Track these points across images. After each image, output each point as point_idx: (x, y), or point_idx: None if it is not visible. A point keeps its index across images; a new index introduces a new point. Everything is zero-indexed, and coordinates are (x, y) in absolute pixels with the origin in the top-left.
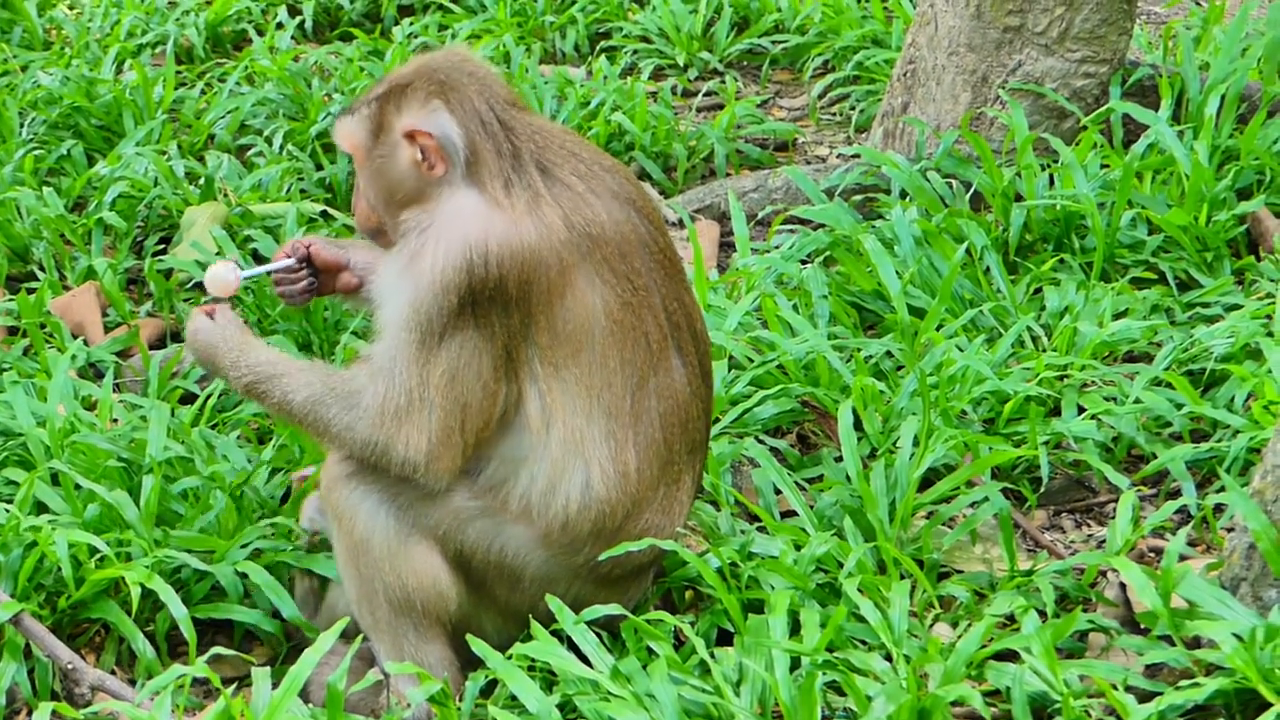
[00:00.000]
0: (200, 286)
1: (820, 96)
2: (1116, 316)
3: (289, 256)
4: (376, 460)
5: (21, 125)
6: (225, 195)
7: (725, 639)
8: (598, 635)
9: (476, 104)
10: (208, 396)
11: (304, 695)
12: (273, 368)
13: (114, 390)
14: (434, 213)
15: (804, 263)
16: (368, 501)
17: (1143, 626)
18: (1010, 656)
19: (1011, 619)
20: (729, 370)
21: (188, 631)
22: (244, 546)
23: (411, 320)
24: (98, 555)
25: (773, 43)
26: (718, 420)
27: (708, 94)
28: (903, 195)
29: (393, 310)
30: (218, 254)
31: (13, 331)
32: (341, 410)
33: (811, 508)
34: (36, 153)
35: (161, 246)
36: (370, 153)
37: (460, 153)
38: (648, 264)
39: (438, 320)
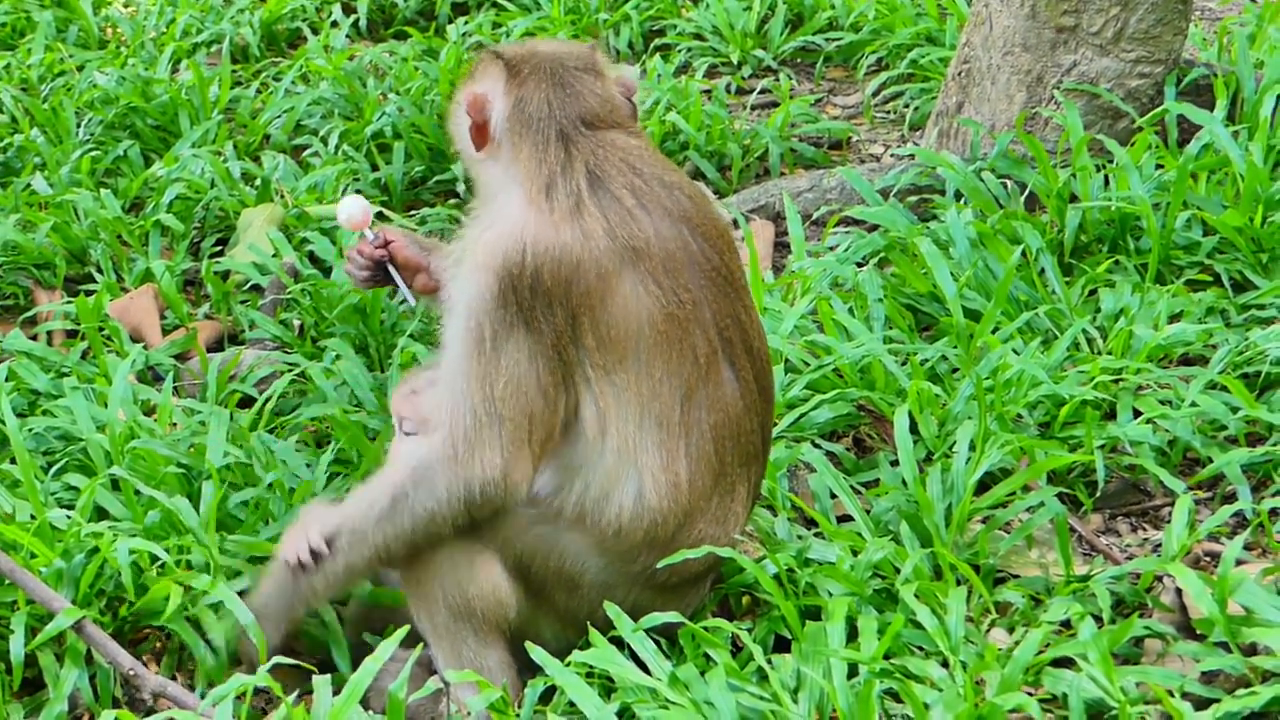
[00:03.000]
0: (257, 288)
1: (874, 94)
2: (1172, 319)
3: (374, 243)
4: (466, 507)
5: (78, 126)
6: (281, 196)
7: (783, 645)
8: (655, 642)
9: (536, 104)
10: (266, 400)
11: (364, 703)
12: (339, 524)
13: (173, 394)
14: (484, 210)
15: (859, 265)
16: None
17: (1199, 633)
18: (1066, 662)
19: (1067, 625)
20: (785, 374)
21: (256, 638)
22: None
23: (467, 328)
24: (158, 562)
25: (826, 40)
26: (774, 424)
27: (762, 92)
28: (958, 196)
29: (452, 320)
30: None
31: (72, 335)
32: (414, 485)
33: (868, 512)
34: (93, 154)
35: (218, 248)
36: (458, 92)
37: (499, 138)
38: (697, 280)
39: (488, 322)
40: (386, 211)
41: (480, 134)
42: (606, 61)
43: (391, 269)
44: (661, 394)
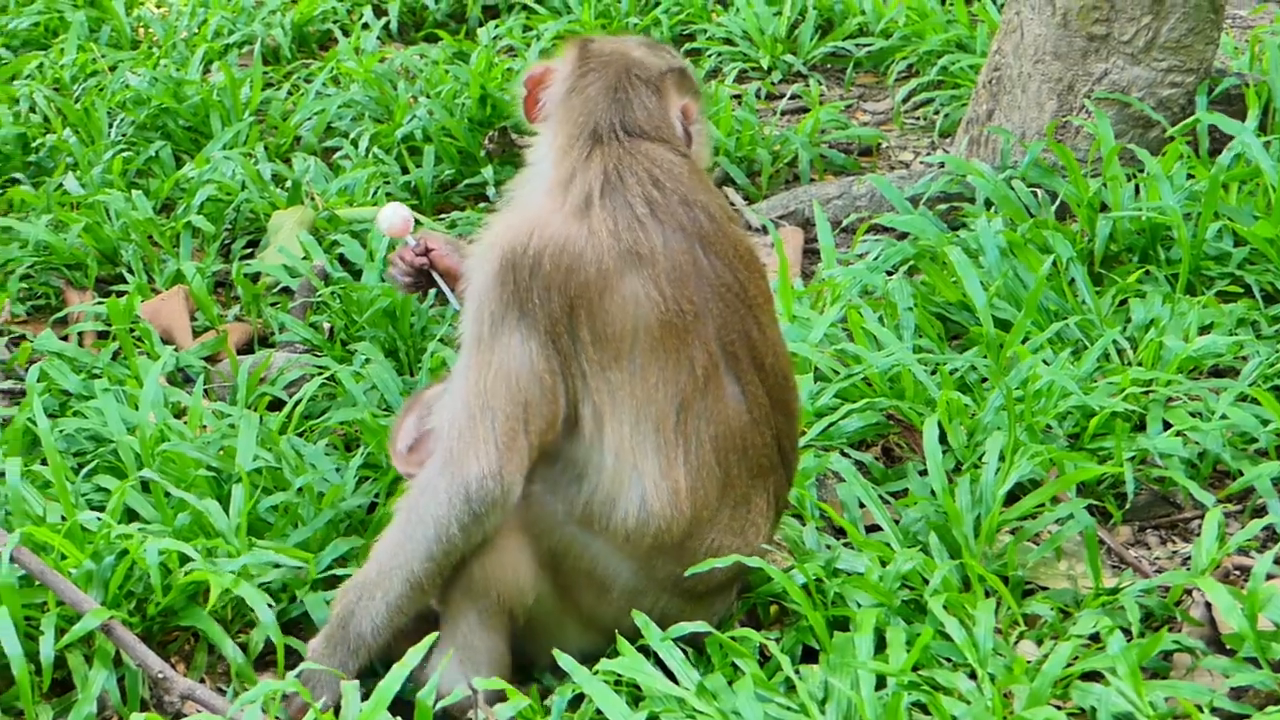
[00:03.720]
0: (287, 291)
1: (904, 101)
2: (1202, 330)
3: (415, 250)
4: (468, 506)
5: (110, 126)
6: (312, 199)
7: (810, 656)
8: (683, 651)
9: (585, 98)
10: (296, 403)
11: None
12: (354, 585)
13: (203, 396)
14: (518, 190)
15: (889, 273)
16: None
17: (1229, 647)
18: (1095, 676)
19: (1096, 638)
20: (814, 382)
21: (276, 639)
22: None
23: (470, 317)
24: (188, 563)
25: (857, 46)
26: (803, 433)
27: (792, 98)
28: (988, 205)
29: (465, 307)
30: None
31: (103, 335)
32: (420, 495)
33: (896, 523)
34: (125, 154)
35: (249, 250)
36: (538, 61)
37: (546, 116)
38: (703, 294)
39: (486, 303)
40: (416, 215)
41: (530, 106)
42: (680, 86)
43: (435, 275)
44: (656, 399)
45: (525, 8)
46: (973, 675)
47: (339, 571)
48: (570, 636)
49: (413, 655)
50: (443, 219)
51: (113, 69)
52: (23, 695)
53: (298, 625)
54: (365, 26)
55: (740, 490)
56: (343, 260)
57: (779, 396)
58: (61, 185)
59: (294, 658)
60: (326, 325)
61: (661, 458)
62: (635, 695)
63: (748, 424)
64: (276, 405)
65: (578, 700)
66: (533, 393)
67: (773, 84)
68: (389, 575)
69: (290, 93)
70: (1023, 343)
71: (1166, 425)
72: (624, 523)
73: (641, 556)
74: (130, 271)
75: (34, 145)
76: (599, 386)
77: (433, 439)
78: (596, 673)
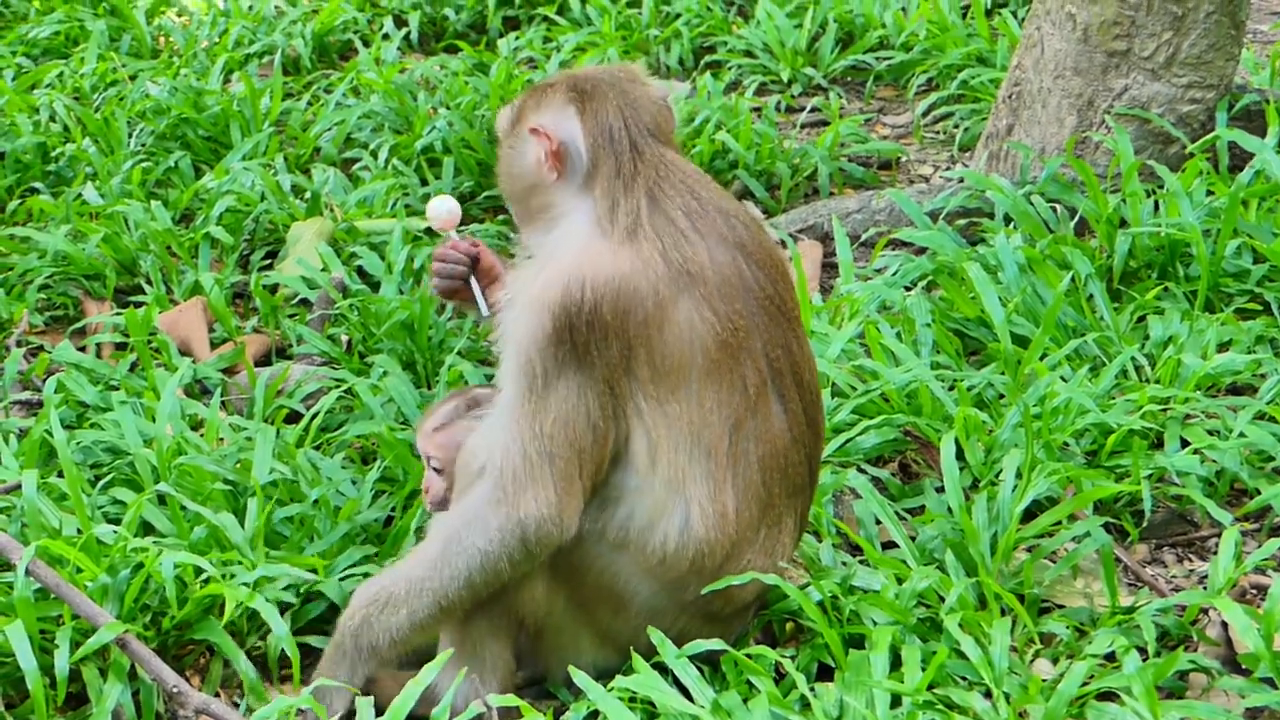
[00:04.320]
0: (305, 303)
1: (924, 115)
2: (1221, 347)
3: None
4: (523, 544)
5: (130, 136)
6: (331, 210)
7: (826, 674)
8: (698, 669)
9: (611, 117)
10: (313, 416)
11: None
12: (374, 599)
13: (220, 408)
14: (546, 236)
15: (907, 289)
16: None
17: (1244, 667)
18: (1110, 696)
19: (1112, 657)
20: (832, 398)
21: (291, 651)
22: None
23: (519, 365)
24: (203, 576)
25: (877, 59)
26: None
27: (812, 110)
28: (1007, 220)
29: (505, 357)
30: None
31: (121, 346)
32: (465, 526)
33: (913, 539)
34: (145, 164)
35: (267, 262)
36: (505, 141)
37: (582, 160)
38: (750, 308)
39: (539, 359)
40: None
41: (559, 158)
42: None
43: (473, 279)
44: (711, 423)
45: (546, 19)
46: (988, 694)
47: (356, 584)
48: (585, 651)
49: (427, 672)
50: (461, 231)
51: (133, 78)
52: (37, 709)
53: (316, 628)
54: (386, 37)
55: (777, 511)
56: (361, 272)
57: (812, 414)
58: (80, 195)
59: (311, 666)
60: (344, 337)
61: (712, 482)
62: (650, 713)
63: (789, 443)
64: (294, 418)
65: (592, 717)
66: (587, 439)
67: (793, 97)
68: (419, 594)
69: (310, 103)
70: (1041, 359)
71: (1184, 443)
72: (662, 546)
73: (674, 579)
74: (148, 282)
75: (53, 155)
76: (655, 421)
77: (473, 470)
78: (611, 690)
